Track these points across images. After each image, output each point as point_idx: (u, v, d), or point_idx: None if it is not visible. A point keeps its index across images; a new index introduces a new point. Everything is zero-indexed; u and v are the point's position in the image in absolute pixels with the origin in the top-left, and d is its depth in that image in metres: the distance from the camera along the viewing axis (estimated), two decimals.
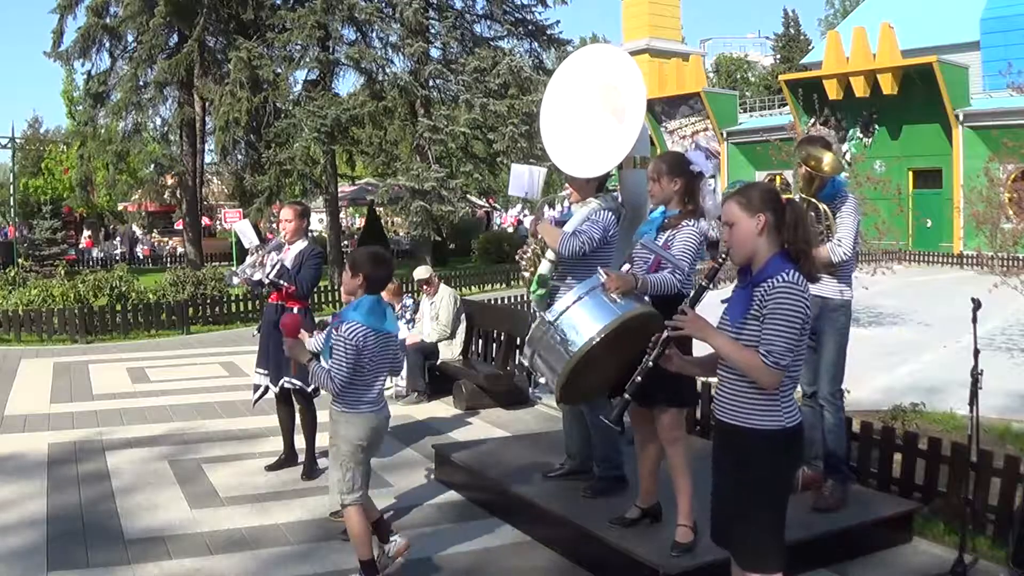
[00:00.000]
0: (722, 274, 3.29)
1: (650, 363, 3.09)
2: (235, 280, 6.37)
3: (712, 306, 3.07)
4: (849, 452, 5.03)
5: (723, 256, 3.06)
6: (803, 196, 4.70)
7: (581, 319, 3.76)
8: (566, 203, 5.00)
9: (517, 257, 5.06)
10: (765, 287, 2.84)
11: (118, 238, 37.66)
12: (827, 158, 4.64)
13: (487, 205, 36.86)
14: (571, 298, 3.82)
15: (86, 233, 36.59)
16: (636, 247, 4.28)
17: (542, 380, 3.92)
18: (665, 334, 3.02)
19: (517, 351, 8.76)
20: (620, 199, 4.93)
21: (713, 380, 3.16)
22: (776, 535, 2.93)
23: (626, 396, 3.18)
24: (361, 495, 4.09)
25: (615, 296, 3.80)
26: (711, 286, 3.10)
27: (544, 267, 4.71)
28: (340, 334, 3.92)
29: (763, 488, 2.89)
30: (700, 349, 3.20)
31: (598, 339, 3.70)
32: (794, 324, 2.80)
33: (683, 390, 4.08)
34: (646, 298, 3.97)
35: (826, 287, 4.53)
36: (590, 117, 4.83)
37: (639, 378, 3.14)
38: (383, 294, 4.24)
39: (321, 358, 4.16)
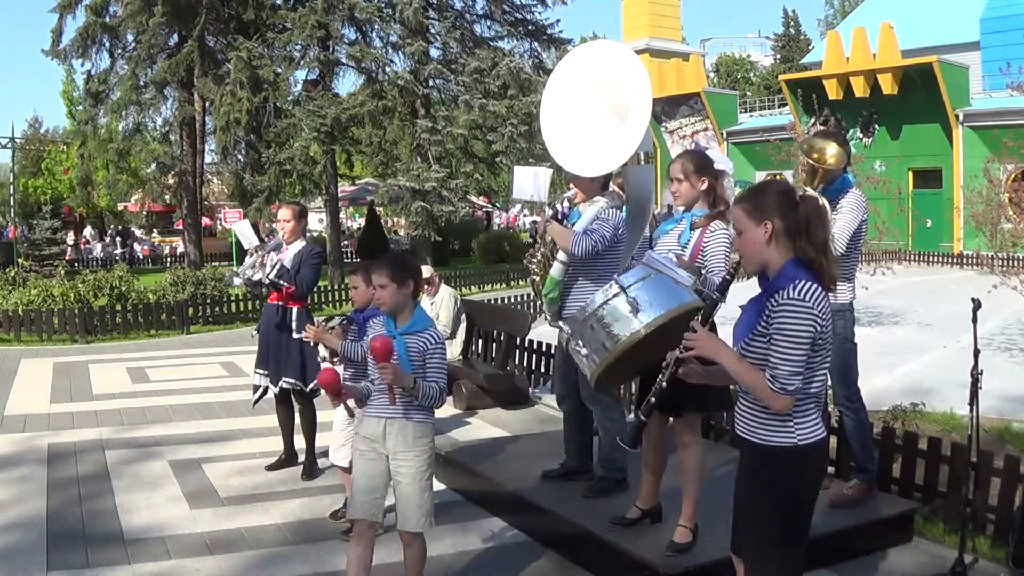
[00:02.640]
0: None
1: (663, 384, 2.94)
2: (236, 281, 6.38)
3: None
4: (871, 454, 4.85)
5: (734, 266, 2.92)
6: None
7: (655, 292, 3.49)
8: (565, 203, 4.97)
9: (526, 260, 5.02)
10: (774, 300, 2.64)
11: (111, 238, 37.23)
12: (832, 149, 4.40)
13: (487, 205, 36.83)
14: (642, 272, 3.56)
15: (88, 230, 36.54)
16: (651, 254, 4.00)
17: (582, 350, 3.66)
18: (676, 353, 2.86)
19: (517, 351, 8.77)
20: (624, 195, 4.90)
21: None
22: (786, 557, 2.76)
23: (641, 418, 3.08)
24: None
25: (684, 282, 3.57)
26: (723, 299, 2.98)
27: (556, 269, 4.67)
28: (436, 344, 3.60)
29: (773, 505, 2.74)
30: None
31: (666, 318, 3.42)
32: (799, 345, 2.58)
33: (707, 394, 3.89)
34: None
35: None
36: (594, 114, 4.76)
37: (653, 399, 3.00)
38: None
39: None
